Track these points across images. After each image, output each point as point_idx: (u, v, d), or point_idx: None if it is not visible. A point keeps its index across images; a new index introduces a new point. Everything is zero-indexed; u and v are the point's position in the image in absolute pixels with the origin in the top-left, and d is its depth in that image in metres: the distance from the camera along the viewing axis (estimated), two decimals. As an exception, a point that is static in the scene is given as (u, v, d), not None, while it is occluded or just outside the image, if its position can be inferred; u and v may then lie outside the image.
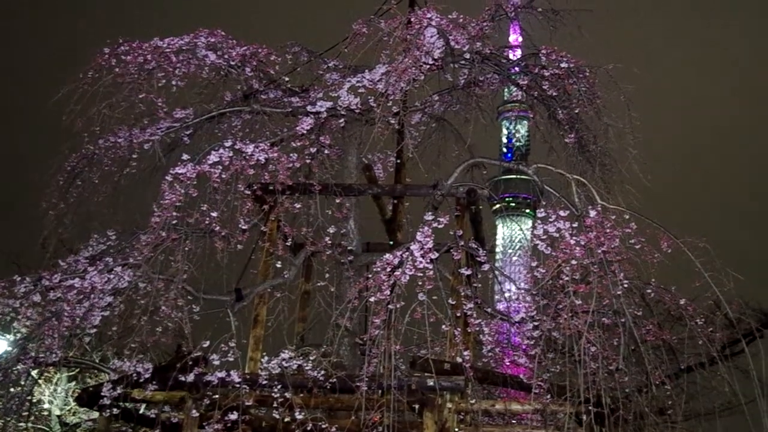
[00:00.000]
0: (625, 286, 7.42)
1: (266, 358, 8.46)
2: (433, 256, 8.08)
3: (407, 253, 8.07)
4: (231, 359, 8.17)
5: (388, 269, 7.94)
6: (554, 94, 9.37)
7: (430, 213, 8.69)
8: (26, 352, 8.28)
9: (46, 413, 18.34)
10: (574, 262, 7.49)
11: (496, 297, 9.77)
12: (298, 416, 7.80)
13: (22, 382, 8.76)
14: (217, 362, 8.15)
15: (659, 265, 7.79)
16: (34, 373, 9.21)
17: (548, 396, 7.73)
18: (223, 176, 8.60)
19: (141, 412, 9.56)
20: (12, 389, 8.57)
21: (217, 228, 8.56)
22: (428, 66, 9.05)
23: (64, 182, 9.48)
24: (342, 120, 9.50)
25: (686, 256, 7.57)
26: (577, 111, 9.26)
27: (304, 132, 9.09)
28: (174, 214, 8.34)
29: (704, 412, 9.59)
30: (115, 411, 8.39)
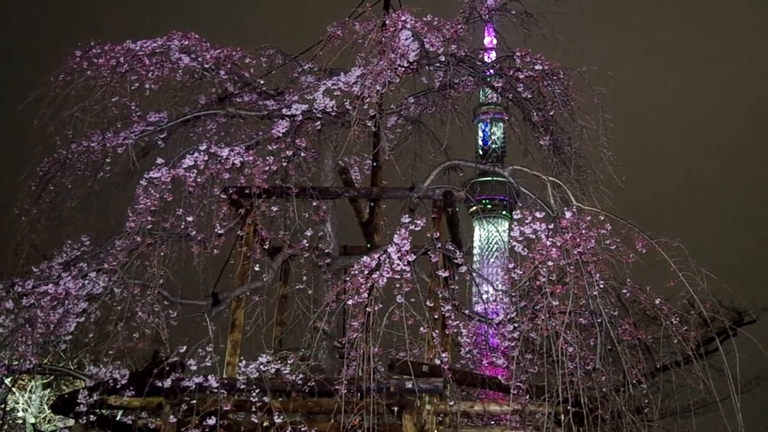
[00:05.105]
0: (601, 286, 7.47)
1: (244, 362, 8.44)
2: (410, 259, 8.10)
3: (385, 256, 8.07)
4: (209, 364, 8.15)
5: (366, 272, 7.94)
6: (529, 96, 9.41)
7: (406, 215, 8.69)
8: (-1, 360, 8.17)
9: (20, 421, 18.13)
10: (550, 263, 7.52)
11: (474, 299, 9.78)
12: (277, 420, 7.79)
13: (-5, 391, 8.64)
14: (194, 367, 8.12)
15: (634, 265, 7.84)
16: (7, 380, 9.07)
17: (527, 397, 7.76)
18: (199, 180, 8.56)
19: (118, 418, 9.47)
20: (-15, 398, 8.45)
21: (194, 232, 8.53)
22: (403, 68, 9.07)
23: (36, 187, 9.35)
24: (318, 123, 9.50)
25: (661, 256, 7.65)
26: (552, 113, 9.32)
27: (280, 135, 9.07)
28: (149, 218, 8.30)
29: (680, 410, 9.71)
30: (92, 418, 8.33)
